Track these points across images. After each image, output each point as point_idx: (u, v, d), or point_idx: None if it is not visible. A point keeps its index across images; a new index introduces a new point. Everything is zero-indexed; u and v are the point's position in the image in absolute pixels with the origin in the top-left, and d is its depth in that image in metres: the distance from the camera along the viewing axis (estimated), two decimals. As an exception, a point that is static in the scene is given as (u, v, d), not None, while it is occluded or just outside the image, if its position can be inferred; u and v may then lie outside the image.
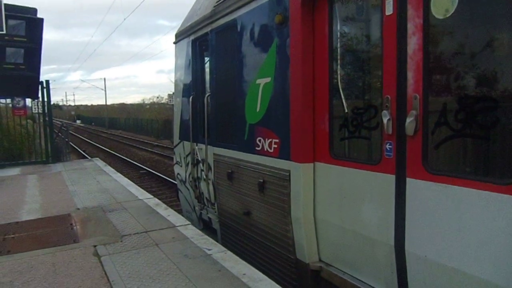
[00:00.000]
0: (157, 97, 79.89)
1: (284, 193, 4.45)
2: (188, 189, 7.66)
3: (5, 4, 8.07)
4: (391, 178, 3.32)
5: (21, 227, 6.09)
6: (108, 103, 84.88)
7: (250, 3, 4.98)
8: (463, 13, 2.78)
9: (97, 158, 15.40)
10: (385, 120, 3.28)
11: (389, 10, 3.26)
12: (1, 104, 13.56)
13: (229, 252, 4.81)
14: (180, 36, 7.66)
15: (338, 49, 3.93)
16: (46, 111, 13.47)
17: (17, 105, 12.72)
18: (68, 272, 4.37)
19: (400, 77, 3.17)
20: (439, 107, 2.95)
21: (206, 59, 6.70)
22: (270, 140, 4.69)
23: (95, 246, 5.13)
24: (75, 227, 5.98)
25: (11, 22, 10.20)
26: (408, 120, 3.05)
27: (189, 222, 6.00)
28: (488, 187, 2.60)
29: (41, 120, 13.95)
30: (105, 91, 75.15)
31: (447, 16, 2.84)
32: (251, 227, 5.30)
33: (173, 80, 8.29)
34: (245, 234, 5.51)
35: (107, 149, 28.43)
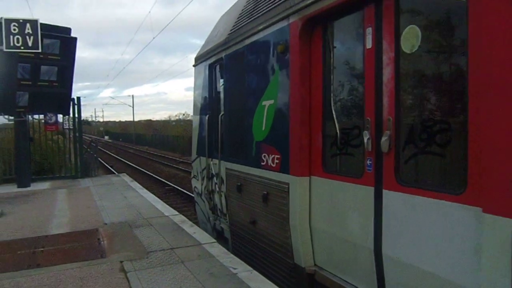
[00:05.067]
0: (183, 114, 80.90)
1: (283, 203, 4.96)
2: (204, 201, 8.15)
3: (41, 24, 8.37)
4: (370, 190, 3.80)
5: (50, 241, 6.19)
6: (136, 119, 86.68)
7: (258, 33, 5.55)
8: (425, 48, 3.32)
9: (124, 174, 15.63)
10: (365, 139, 3.79)
11: (369, 44, 3.81)
12: (35, 120, 13.92)
13: (254, 272, 4.76)
14: (198, 60, 8.29)
15: (330, 76, 4.47)
16: (76, 127, 13.82)
17: (49, 121, 13.08)
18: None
19: (378, 102, 3.70)
20: (408, 128, 3.46)
21: (221, 81, 7.18)
22: (273, 156, 5.23)
23: (121, 261, 5.16)
24: (102, 242, 6.04)
25: (46, 41, 10.57)
26: (383, 139, 3.56)
27: (215, 240, 5.98)
28: (445, 197, 3.04)
29: (71, 136, 14.30)
30: (133, 107, 76.83)
31: (414, 51, 3.37)
32: (256, 235, 5.80)
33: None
34: (251, 241, 5.98)
35: (134, 165, 28.86)
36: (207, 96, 7.79)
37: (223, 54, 6.82)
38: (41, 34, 8.38)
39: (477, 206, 2.75)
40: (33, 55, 10.05)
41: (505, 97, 2.47)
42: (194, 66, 8.67)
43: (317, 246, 4.69)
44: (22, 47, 8.10)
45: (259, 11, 5.66)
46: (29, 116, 12.64)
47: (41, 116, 13.47)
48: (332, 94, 4.45)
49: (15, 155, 12.46)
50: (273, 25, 5.16)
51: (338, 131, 4.36)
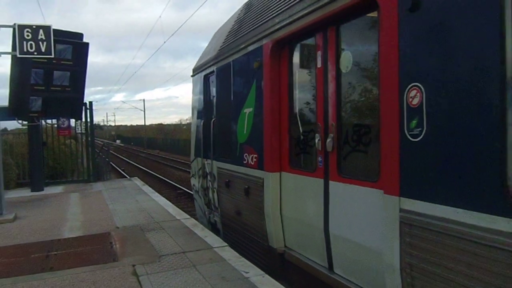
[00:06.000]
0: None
1: (260, 195, 5.86)
2: (200, 197, 9.04)
3: (54, 30, 8.45)
4: (321, 181, 4.74)
5: (63, 244, 6.24)
6: (147, 123, 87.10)
7: (240, 51, 6.48)
8: (354, 69, 4.25)
9: (136, 178, 15.72)
10: (317, 141, 4.74)
11: (319, 63, 4.73)
12: (48, 125, 14.07)
13: (266, 276, 4.74)
14: (195, 71, 9.28)
15: (294, 88, 5.41)
16: (88, 131, 13.94)
17: (62, 126, 13.20)
18: (107, 291, 4.42)
19: (325, 110, 4.62)
20: (345, 131, 4.36)
21: (213, 90, 8.01)
22: (252, 155, 6.13)
23: (133, 265, 5.18)
24: (114, 246, 6.07)
25: (59, 46, 10.67)
26: (328, 140, 4.50)
27: (226, 244, 5.98)
28: (368, 184, 3.94)
29: (84, 140, 14.43)
30: (144, 111, 77.22)
31: (347, 70, 4.30)
32: (241, 223, 6.68)
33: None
34: (237, 230, 6.87)
35: (145, 169, 29.01)
36: (202, 103, 8.72)
37: (214, 67, 7.77)
38: (54, 39, 8.43)
39: (382, 189, 3.60)
40: (46, 60, 10.14)
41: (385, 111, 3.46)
42: (192, 76, 9.62)
43: (286, 230, 5.60)
44: (35, 53, 8.15)
45: (241, 32, 6.62)
46: (42, 121, 12.77)
47: (54, 121, 13.60)
48: (296, 104, 5.38)
49: (28, 159, 12.61)
50: (251, 45, 6.10)
51: (300, 134, 5.28)
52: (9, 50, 8.56)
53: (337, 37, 4.41)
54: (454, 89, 2.87)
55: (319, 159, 4.73)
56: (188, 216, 8.00)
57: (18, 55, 8.17)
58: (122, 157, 44.00)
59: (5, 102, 11.04)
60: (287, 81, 5.47)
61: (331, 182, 4.54)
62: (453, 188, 2.87)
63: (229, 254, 5.51)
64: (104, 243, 6.25)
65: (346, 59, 4.31)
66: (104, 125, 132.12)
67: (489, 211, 2.61)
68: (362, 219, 4.00)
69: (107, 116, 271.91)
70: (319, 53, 4.71)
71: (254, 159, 6.02)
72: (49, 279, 4.84)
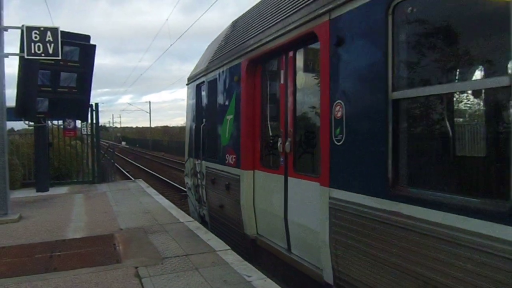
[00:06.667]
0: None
1: (237, 190, 6.73)
2: (192, 194, 9.96)
3: (61, 31, 8.51)
4: (282, 177, 5.64)
5: (67, 245, 6.28)
6: (153, 125, 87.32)
7: (224, 66, 7.45)
8: (306, 86, 5.31)
9: (140, 179, 15.77)
10: (279, 144, 5.66)
11: (281, 80, 5.72)
12: (54, 126, 14.14)
13: (268, 280, 4.74)
14: (190, 80, 10.20)
15: (266, 100, 6.37)
16: (94, 132, 14.01)
17: (68, 127, 13.28)
18: (110, 293, 4.43)
19: (285, 119, 5.55)
20: (299, 136, 5.38)
21: (204, 99, 8.89)
22: (232, 156, 7.01)
23: (136, 267, 5.19)
24: (118, 247, 6.09)
25: (66, 48, 10.74)
26: (287, 143, 5.46)
27: (229, 247, 5.99)
28: (312, 179, 4.84)
29: (89, 141, 14.50)
30: (150, 114, 77.57)
31: (301, 87, 5.34)
32: (223, 215, 7.57)
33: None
34: (221, 221, 7.78)
35: (150, 171, 29.08)
36: (195, 109, 9.63)
37: (204, 79, 8.71)
38: (61, 41, 8.49)
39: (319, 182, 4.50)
40: (53, 62, 10.22)
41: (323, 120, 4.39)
42: (186, 84, 10.49)
43: (258, 219, 6.48)
44: (43, 54, 8.21)
45: (226, 49, 7.58)
46: (49, 122, 12.85)
47: (60, 122, 13.68)
48: (267, 113, 6.34)
49: (34, 160, 12.68)
50: (232, 62, 7.03)
51: (269, 138, 6.24)
52: (17, 51, 8.63)
53: (294, 60, 5.41)
54: (359, 106, 3.86)
55: (281, 159, 5.67)
56: (192, 219, 8.02)
57: (26, 57, 8.23)
58: (127, 159, 44.14)
59: (12, 103, 11.11)
60: (260, 93, 6.43)
61: (289, 178, 5.49)
62: (360, 180, 3.81)
63: (232, 258, 5.51)
64: (107, 244, 6.28)
65: (300, 78, 5.36)
66: (110, 127, 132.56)
67: (379, 195, 3.54)
68: (309, 207, 4.89)
69: (113, 118, 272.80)
70: (282, 72, 5.72)
71: (233, 159, 6.93)
72: (52, 279, 4.86)
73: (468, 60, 3.43)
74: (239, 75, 6.69)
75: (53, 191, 12.16)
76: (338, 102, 4.13)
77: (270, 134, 6.21)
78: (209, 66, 8.34)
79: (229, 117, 7.12)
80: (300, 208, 5.14)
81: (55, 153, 14.06)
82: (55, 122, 13.83)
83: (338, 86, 4.13)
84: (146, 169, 30.57)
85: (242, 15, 7.72)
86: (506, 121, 3.02)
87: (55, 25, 8.48)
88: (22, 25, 8.15)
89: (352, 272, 3.95)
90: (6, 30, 8.37)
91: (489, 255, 2.64)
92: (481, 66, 3.45)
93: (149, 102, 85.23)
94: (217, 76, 7.80)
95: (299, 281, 5.19)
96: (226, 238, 7.11)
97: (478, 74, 3.52)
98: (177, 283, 4.64)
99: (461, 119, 4.17)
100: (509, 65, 2.72)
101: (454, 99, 3.89)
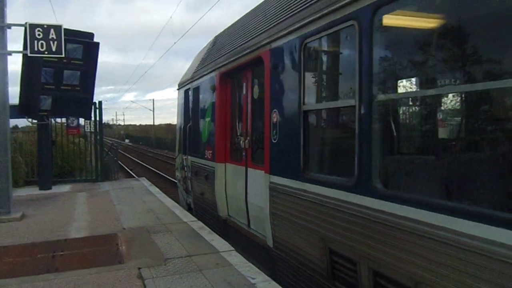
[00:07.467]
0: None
1: (213, 180, 8.18)
2: (181, 185, 11.56)
3: (64, 29, 8.45)
4: (244, 168, 7.08)
5: (69, 245, 6.22)
6: (156, 123, 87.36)
7: (204, 77, 9.03)
8: (259, 96, 6.50)
9: (144, 178, 15.73)
10: (241, 141, 7.10)
11: (244, 91, 7.21)
12: (57, 123, 14.11)
13: (273, 282, 4.67)
14: (179, 86, 11.77)
15: (235, 105, 7.79)
16: (97, 130, 13.96)
17: (71, 124, 13.23)
18: (112, 295, 4.37)
19: (247, 122, 7.02)
20: (254, 136, 6.77)
21: (190, 103, 10.37)
22: (209, 151, 8.51)
23: (139, 268, 5.13)
24: (120, 248, 6.03)
25: (70, 46, 10.66)
26: (246, 141, 6.95)
27: (233, 248, 5.92)
28: (261, 168, 6.01)
29: (92, 139, 14.46)
30: (153, 111, 77.61)
31: (257, 97, 6.57)
32: (203, 201, 9.02)
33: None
34: (201, 206, 9.22)
35: (153, 168, 29.01)
36: (183, 112, 11.10)
37: (190, 85, 10.30)
38: (65, 39, 8.43)
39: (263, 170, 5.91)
40: (56, 59, 10.16)
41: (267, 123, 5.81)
42: (177, 89, 12.02)
43: (229, 203, 7.91)
44: (46, 52, 8.15)
45: (206, 62, 9.08)
46: (52, 120, 12.81)
47: (63, 120, 13.63)
48: (236, 117, 7.69)
49: (37, 157, 12.64)
50: (210, 73, 8.53)
51: (236, 137, 7.57)
52: (21, 49, 8.57)
53: (252, 76, 6.87)
54: (285, 114, 5.34)
55: (243, 153, 7.12)
56: (195, 219, 7.96)
57: (29, 54, 8.18)
58: (130, 157, 44.12)
59: (15, 100, 11.07)
60: (230, 101, 7.94)
61: (248, 169, 6.94)
62: (286, 168, 5.27)
63: (236, 259, 5.44)
64: (110, 244, 6.22)
65: (256, 90, 6.65)
66: (114, 124, 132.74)
67: (297, 179, 4.94)
68: (260, 190, 6.12)
69: (116, 115, 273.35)
70: (244, 85, 7.22)
71: (210, 154, 8.41)
72: (53, 280, 4.81)
73: (343, 88, 4.75)
74: (214, 85, 8.16)
75: (56, 189, 12.12)
76: (274, 110, 5.58)
77: (238, 133, 7.55)
78: (194, 75, 9.99)
79: (208, 119, 8.66)
80: (255, 192, 6.51)
81: (58, 151, 14.03)
82: (58, 119, 13.79)
83: (274, 98, 5.59)
84: (150, 167, 30.50)
85: (222, 32, 9.47)
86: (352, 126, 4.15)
87: (59, 22, 8.42)
88: (25, 23, 8.09)
89: (283, 235, 5.34)
90: (10, 28, 8.32)
91: (351, 215, 3.96)
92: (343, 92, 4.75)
93: (153, 99, 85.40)
94: (200, 84, 9.40)
95: (253, 248, 6.57)
96: (206, 220, 8.49)
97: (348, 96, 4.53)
98: (180, 285, 4.57)
99: (343, 123, 5.11)
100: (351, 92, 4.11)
101: (339, 111, 4.92)
